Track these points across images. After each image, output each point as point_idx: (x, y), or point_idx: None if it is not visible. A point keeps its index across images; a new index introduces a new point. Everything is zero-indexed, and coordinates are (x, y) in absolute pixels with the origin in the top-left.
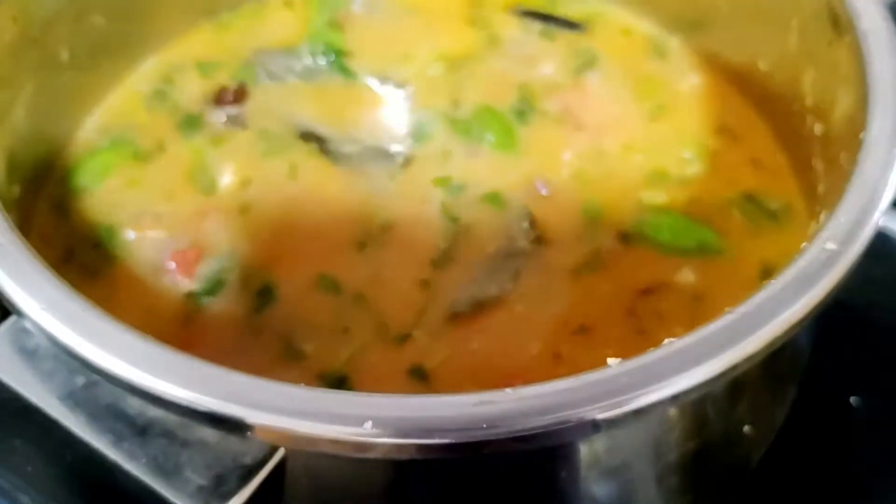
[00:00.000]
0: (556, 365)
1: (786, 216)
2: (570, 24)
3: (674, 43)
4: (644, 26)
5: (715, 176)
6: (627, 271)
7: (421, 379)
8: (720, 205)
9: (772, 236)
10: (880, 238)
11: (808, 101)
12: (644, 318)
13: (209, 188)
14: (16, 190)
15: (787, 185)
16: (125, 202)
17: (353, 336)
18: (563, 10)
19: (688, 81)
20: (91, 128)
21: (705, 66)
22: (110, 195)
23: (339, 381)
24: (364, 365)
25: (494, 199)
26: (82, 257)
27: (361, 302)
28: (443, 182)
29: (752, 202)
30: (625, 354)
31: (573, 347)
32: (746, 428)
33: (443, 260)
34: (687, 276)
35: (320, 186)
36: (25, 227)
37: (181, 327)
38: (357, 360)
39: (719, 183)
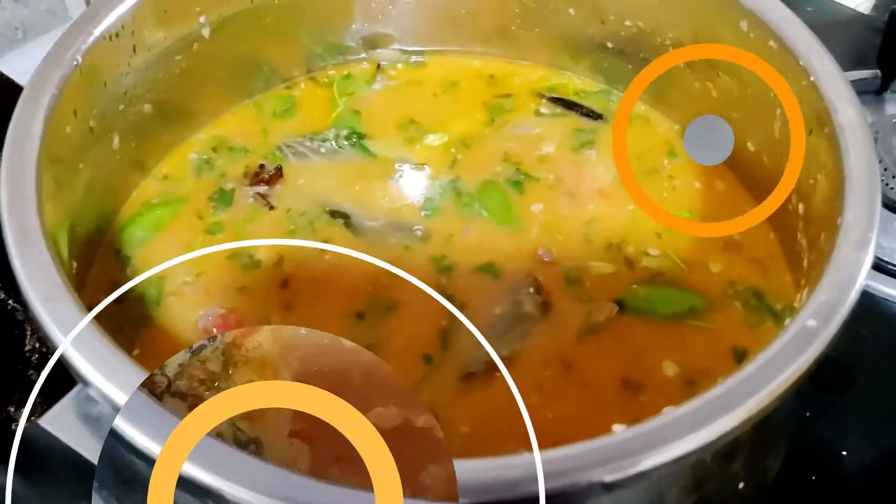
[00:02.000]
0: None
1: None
2: (593, 115)
3: (669, 124)
4: (648, 113)
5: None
6: (622, 338)
7: None
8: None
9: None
10: (867, 299)
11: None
12: (635, 381)
13: (245, 261)
14: (74, 265)
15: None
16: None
17: None
18: (587, 102)
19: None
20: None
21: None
22: (160, 251)
23: None
24: None
25: (492, 267)
26: (129, 309)
27: None
28: (442, 258)
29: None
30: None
31: (571, 404)
32: (741, 484)
33: (454, 320)
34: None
35: (345, 260)
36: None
37: None
38: None
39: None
